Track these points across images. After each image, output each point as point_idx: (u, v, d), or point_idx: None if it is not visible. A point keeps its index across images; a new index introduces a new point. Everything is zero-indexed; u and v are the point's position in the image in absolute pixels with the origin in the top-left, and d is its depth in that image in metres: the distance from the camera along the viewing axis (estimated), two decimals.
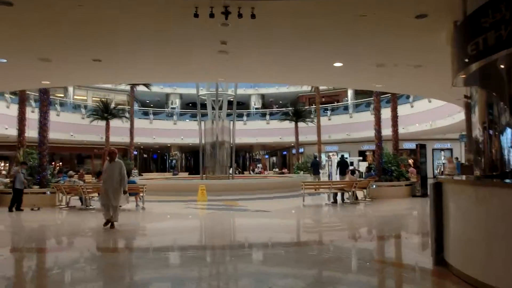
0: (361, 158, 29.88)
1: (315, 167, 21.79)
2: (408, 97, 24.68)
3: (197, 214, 11.88)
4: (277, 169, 32.80)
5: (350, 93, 34.67)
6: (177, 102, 38.15)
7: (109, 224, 8.18)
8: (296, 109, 30.26)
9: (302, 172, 26.86)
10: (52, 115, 26.71)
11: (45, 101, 14.03)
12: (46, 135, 14.07)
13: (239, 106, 32.26)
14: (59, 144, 29.24)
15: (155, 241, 7.55)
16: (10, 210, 11.96)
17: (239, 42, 6.70)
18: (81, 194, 12.40)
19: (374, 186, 13.60)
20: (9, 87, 10.09)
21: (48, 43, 6.58)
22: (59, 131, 26.28)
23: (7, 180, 14.18)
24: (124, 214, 11.62)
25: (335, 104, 34.26)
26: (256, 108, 38.29)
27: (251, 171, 33.67)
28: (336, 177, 23.51)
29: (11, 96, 21.75)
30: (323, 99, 32.36)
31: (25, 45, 6.70)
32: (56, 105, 28.24)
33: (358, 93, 34.10)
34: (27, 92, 17.47)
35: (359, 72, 8.84)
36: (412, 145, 26.02)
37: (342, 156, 21.36)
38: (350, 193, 12.51)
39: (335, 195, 12.62)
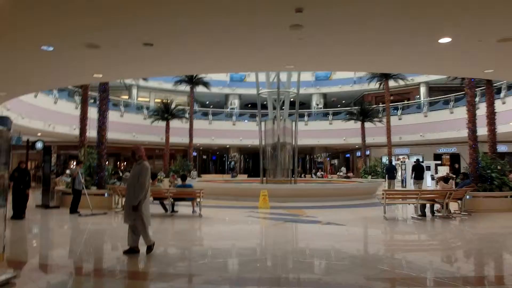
0: (439, 162, 26.93)
1: (390, 172, 19.63)
2: (498, 91, 21.56)
3: (261, 226, 10.52)
4: (341, 173, 30.74)
5: (423, 90, 31.77)
6: (236, 103, 37.45)
7: (132, 251, 6.13)
8: (362, 108, 28.09)
9: (370, 176, 24.73)
10: (116, 116, 27.44)
11: (104, 100, 13.52)
12: (104, 134, 13.54)
13: (300, 106, 30.78)
14: (123, 144, 29.72)
15: (215, 263, 6.29)
16: (72, 212, 11.48)
17: (318, 10, 5.22)
18: None
19: (468, 196, 11.35)
20: (62, 82, 9.49)
21: (93, 24, 5.61)
22: (122, 132, 26.65)
23: (69, 179, 13.91)
24: (180, 221, 10.65)
25: (407, 102, 31.46)
26: (317, 108, 36.43)
27: (313, 175, 31.90)
28: (410, 182, 21.20)
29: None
30: (392, 98, 29.82)
31: (70, 28, 5.81)
32: (120, 106, 28.67)
33: (433, 90, 31.12)
34: (91, 93, 17.33)
35: (469, 51, 6.90)
36: (502, 148, 22.77)
37: (418, 160, 19.02)
38: (442, 205, 10.42)
39: (423, 206, 10.61)
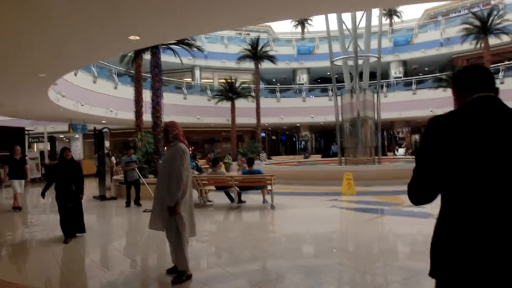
0: None
1: None
2: None
3: (352, 220, 8.19)
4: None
5: None
6: (304, 78, 34.67)
7: (178, 271, 4.15)
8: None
9: None
10: (180, 99, 26.38)
11: (156, 76, 11.90)
12: (159, 115, 11.98)
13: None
14: (189, 128, 28.75)
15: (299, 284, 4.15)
16: (127, 205, 10.11)
17: None
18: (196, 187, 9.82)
19: None
20: (97, 52, 7.76)
21: None
22: (186, 115, 25.53)
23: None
24: (248, 215, 8.72)
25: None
26: (396, 78, 32.44)
27: (395, 152, 28.49)
28: None
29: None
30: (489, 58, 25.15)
31: None
32: (183, 88, 27.59)
33: None
34: (144, 74, 15.83)
35: None
36: None
37: None
38: None
39: None
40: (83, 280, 4.64)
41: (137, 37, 6.77)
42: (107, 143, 11.86)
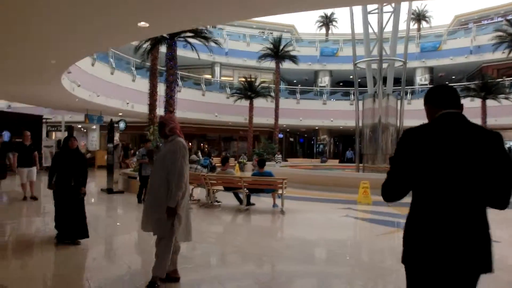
0: None
1: None
2: None
3: (367, 235, 7.54)
4: None
5: None
6: (326, 80, 33.96)
7: (168, 278, 3.81)
8: (484, 82, 22.91)
9: None
10: (198, 95, 26.14)
11: (171, 69, 11.56)
12: (173, 110, 11.62)
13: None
14: (206, 125, 28.49)
15: None
16: (139, 201, 9.66)
17: None
18: (204, 186, 9.41)
19: None
20: (106, 38, 7.43)
21: None
22: (204, 112, 25.29)
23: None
24: (255, 219, 8.24)
25: None
26: (421, 85, 31.39)
27: None
28: None
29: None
30: None
31: None
32: (202, 85, 27.32)
33: None
34: (160, 67, 15.51)
35: None
36: None
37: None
38: None
39: None
40: (71, 283, 4.26)
41: (147, 24, 6.39)
42: (116, 135, 11.58)
